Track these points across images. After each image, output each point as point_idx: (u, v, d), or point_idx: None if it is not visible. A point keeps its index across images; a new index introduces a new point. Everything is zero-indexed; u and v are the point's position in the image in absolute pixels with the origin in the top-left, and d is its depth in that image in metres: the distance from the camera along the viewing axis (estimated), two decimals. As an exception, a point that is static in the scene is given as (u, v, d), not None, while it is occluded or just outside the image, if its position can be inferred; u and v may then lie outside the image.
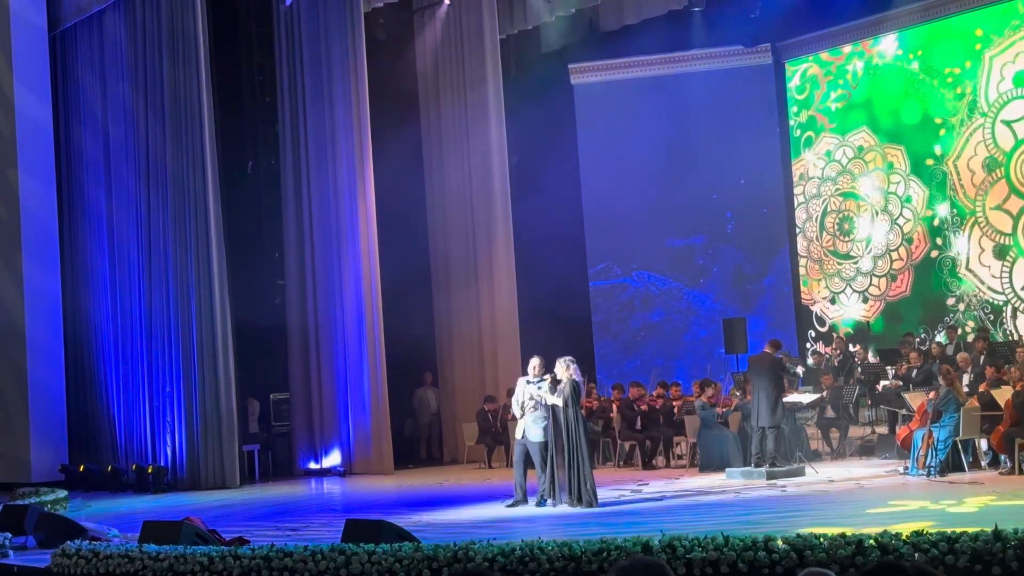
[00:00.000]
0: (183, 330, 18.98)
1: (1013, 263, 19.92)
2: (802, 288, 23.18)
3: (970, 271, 20.50)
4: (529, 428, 13.73)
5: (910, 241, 21.61)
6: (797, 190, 23.29)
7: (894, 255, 21.93)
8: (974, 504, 11.57)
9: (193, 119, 19.08)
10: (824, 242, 22.84)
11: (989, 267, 20.22)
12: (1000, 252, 20.02)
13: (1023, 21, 19.92)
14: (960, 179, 20.60)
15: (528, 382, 13.91)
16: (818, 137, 22.96)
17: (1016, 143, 19.89)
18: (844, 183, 22.38)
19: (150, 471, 18.98)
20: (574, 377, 13.45)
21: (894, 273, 21.98)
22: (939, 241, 21.04)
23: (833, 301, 22.83)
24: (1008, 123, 20.02)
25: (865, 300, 22.46)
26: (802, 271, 23.22)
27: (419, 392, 22.25)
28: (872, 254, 22.21)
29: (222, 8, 20.63)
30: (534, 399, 13.71)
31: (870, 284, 22.39)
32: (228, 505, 16.13)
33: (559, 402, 13.38)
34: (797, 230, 23.27)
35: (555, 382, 13.55)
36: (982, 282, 20.36)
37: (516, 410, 14.08)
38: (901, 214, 21.67)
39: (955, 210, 20.69)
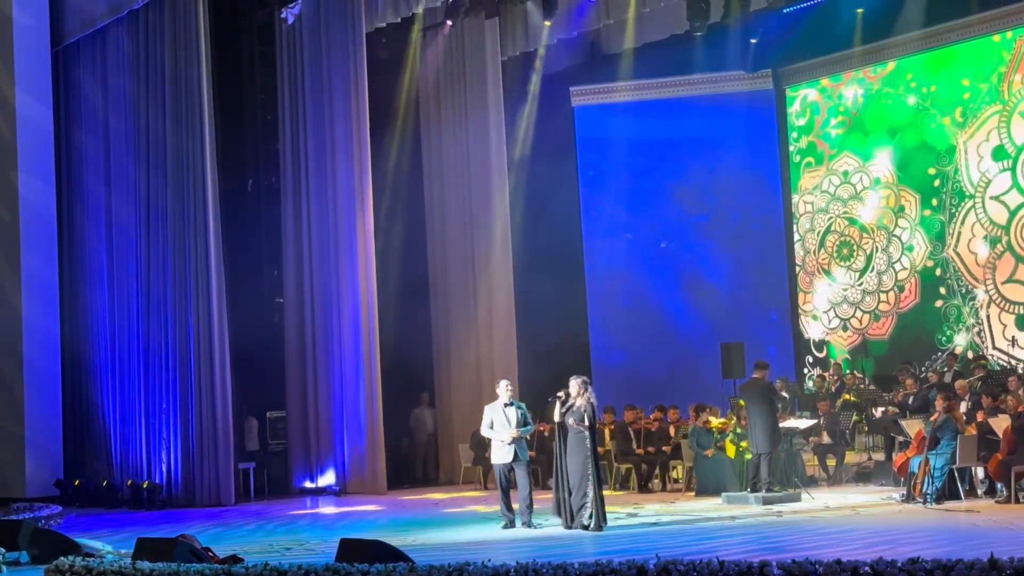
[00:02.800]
0: (181, 347, 18.98)
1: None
2: (801, 313, 23.20)
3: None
4: (520, 449, 13.79)
5: (901, 289, 21.69)
6: (797, 214, 23.32)
7: (882, 296, 22.00)
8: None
9: (194, 136, 19.13)
10: (820, 259, 22.88)
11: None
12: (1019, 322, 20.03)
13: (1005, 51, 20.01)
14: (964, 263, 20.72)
15: (505, 405, 13.93)
16: (818, 163, 23.01)
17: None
18: (852, 208, 22.38)
19: (145, 487, 18.96)
20: (591, 400, 13.43)
21: (878, 314, 22.06)
22: (937, 302, 21.07)
23: (815, 318, 22.86)
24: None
25: (845, 328, 22.52)
26: (800, 295, 23.26)
27: (416, 412, 22.23)
28: (863, 287, 22.26)
29: (224, 26, 20.72)
30: (522, 415, 13.78)
31: (852, 315, 22.45)
32: (223, 523, 16.09)
33: (581, 426, 13.29)
34: (796, 260, 23.29)
35: (565, 399, 13.46)
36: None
37: (489, 433, 14.08)
38: (899, 260, 21.72)
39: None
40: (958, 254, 20.71)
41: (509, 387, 14.24)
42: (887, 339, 21.94)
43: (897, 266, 21.76)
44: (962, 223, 20.66)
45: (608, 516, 13.34)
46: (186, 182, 19.17)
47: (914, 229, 21.44)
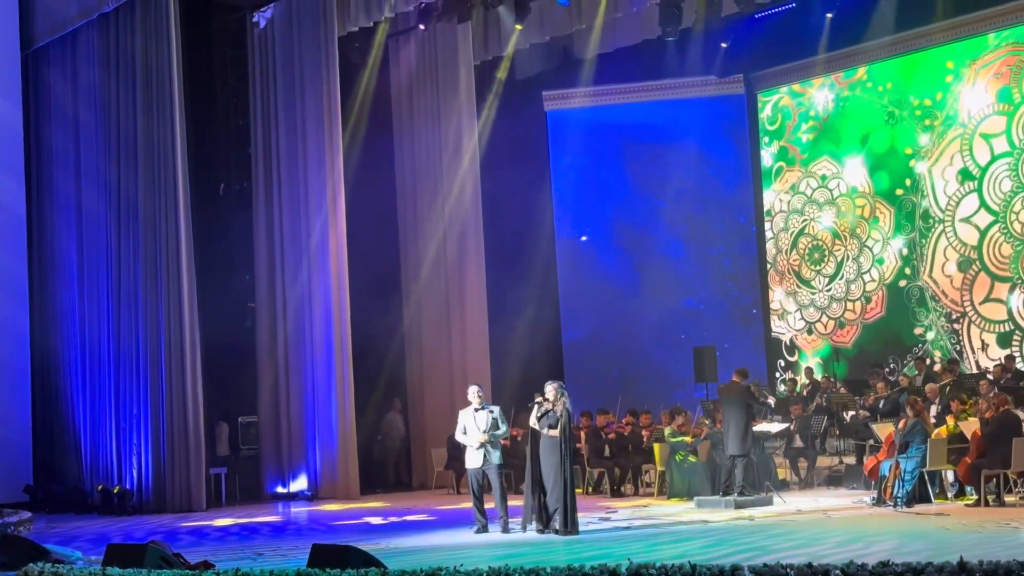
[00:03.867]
0: (152, 352, 18.89)
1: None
2: (771, 312, 23.29)
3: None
4: (491, 453, 13.75)
5: (868, 300, 21.82)
6: (768, 219, 23.42)
7: (849, 305, 22.13)
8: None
9: (166, 141, 19.04)
10: (791, 259, 22.98)
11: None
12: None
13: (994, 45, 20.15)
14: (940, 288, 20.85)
15: (476, 409, 13.91)
16: (789, 168, 23.11)
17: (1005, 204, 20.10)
18: (827, 213, 22.47)
19: (116, 493, 18.84)
20: (568, 406, 13.43)
21: (843, 322, 22.19)
22: (916, 329, 21.21)
23: (781, 317, 22.95)
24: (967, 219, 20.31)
25: (810, 332, 22.64)
26: (771, 296, 23.35)
27: (388, 417, 22.18)
28: (831, 294, 22.38)
29: (196, 30, 20.65)
30: (493, 420, 13.75)
31: (818, 320, 22.57)
32: (194, 528, 16.01)
33: (554, 432, 13.28)
34: (768, 262, 23.39)
35: (542, 404, 13.46)
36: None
37: (462, 439, 14.06)
38: (869, 271, 21.85)
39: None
40: (933, 279, 20.83)
41: (479, 392, 14.21)
42: (850, 347, 22.09)
43: (866, 276, 21.91)
44: (934, 248, 20.81)
45: (580, 520, 13.34)
46: (158, 187, 19.07)
47: (886, 242, 21.57)
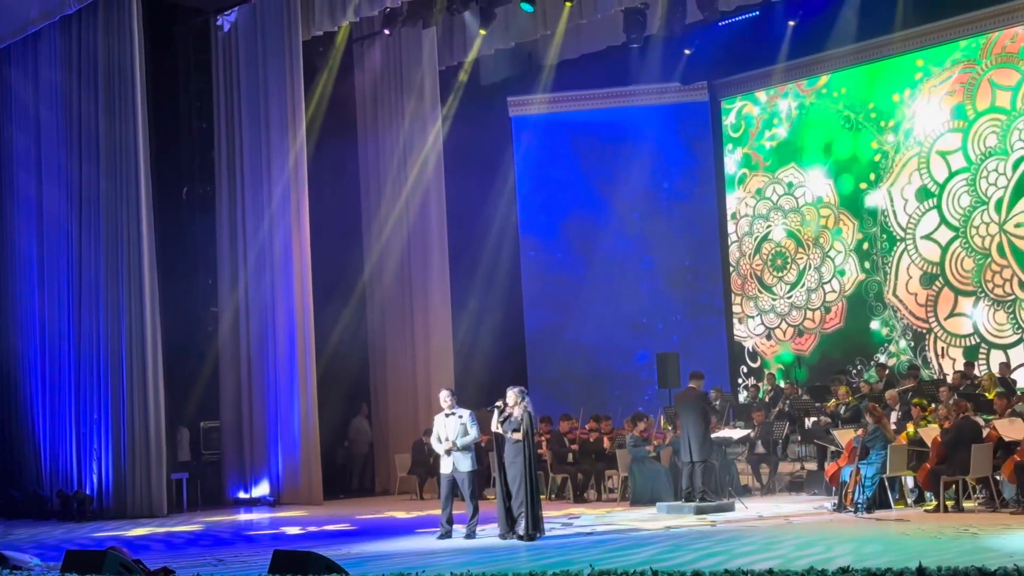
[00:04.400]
0: (113, 356, 18.76)
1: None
2: (735, 323, 23.38)
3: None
4: (459, 460, 13.67)
5: (827, 310, 21.97)
6: (731, 226, 23.52)
7: (808, 314, 22.27)
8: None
9: (127, 144, 18.91)
10: (754, 264, 23.09)
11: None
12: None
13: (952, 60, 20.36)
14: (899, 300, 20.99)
15: (446, 415, 13.87)
16: (752, 174, 23.22)
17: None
18: (791, 221, 22.57)
19: (75, 498, 18.69)
20: (528, 410, 13.41)
21: (802, 330, 22.33)
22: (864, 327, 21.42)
23: (742, 321, 23.08)
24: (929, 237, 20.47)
25: (769, 337, 22.77)
26: (733, 300, 23.45)
27: (355, 422, 22.13)
28: (791, 301, 22.51)
29: (159, 33, 20.52)
30: (461, 427, 13.67)
31: (777, 326, 22.70)
32: (154, 534, 15.90)
33: (517, 436, 13.28)
34: (731, 268, 23.50)
35: (503, 409, 13.44)
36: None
37: (436, 446, 14.02)
38: (830, 282, 21.99)
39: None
40: (898, 297, 20.97)
41: (448, 397, 14.08)
42: (808, 355, 22.24)
43: (827, 287, 22.05)
44: (897, 266, 20.96)
45: (544, 526, 13.34)
46: (120, 190, 18.94)
47: (848, 253, 21.71)
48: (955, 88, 20.37)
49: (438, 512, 13.94)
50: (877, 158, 21.34)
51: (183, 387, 20.23)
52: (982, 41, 20.08)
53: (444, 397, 14.04)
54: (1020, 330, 19.31)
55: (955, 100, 20.34)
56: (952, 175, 20.36)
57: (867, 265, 21.38)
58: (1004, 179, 19.70)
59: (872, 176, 21.36)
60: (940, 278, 20.42)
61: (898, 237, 20.99)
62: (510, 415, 13.33)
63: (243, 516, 18.45)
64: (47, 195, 20.11)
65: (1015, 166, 19.57)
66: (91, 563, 10.38)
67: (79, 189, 19.48)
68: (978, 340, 19.83)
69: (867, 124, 21.48)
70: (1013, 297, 19.46)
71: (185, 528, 16.64)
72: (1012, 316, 19.44)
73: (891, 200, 21.07)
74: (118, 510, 18.44)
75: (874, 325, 21.26)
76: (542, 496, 18.09)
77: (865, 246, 21.41)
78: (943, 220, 20.44)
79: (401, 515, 17.06)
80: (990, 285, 19.75)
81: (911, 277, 20.82)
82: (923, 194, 20.71)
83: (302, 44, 20.08)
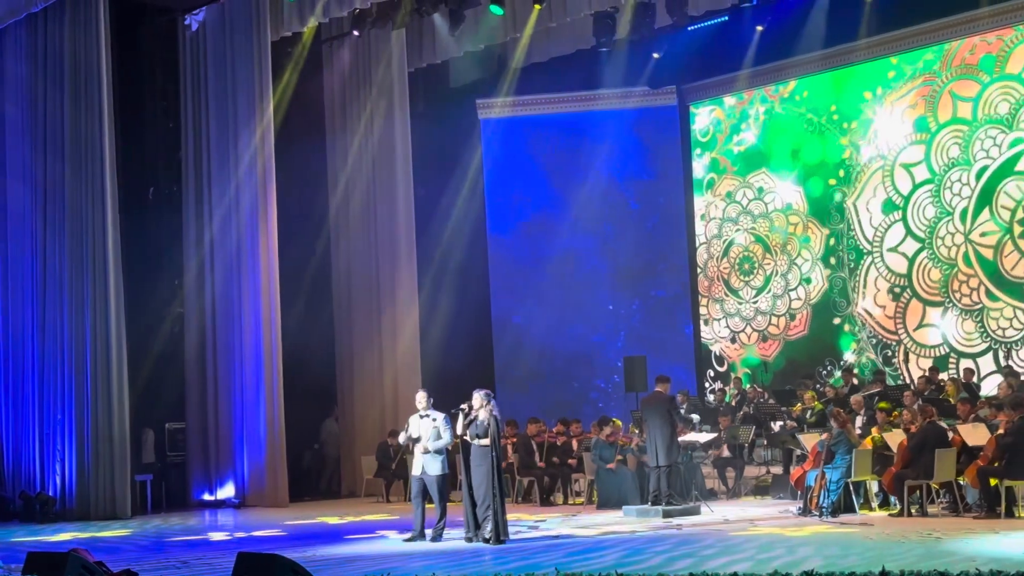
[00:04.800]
0: (77, 356, 18.62)
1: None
2: (702, 326, 23.45)
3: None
4: (428, 463, 13.63)
5: (792, 317, 22.07)
6: (700, 227, 23.58)
7: (773, 319, 22.36)
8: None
9: (93, 143, 18.77)
10: (722, 267, 23.16)
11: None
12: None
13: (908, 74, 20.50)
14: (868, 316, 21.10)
15: (420, 416, 13.80)
16: (720, 179, 23.30)
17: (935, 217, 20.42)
18: (760, 226, 22.64)
19: (38, 500, 18.53)
20: (494, 413, 13.38)
21: (766, 335, 22.42)
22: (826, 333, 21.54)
23: (707, 323, 23.16)
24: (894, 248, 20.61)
25: (733, 340, 22.86)
26: (701, 304, 23.52)
27: (327, 424, 22.08)
28: (756, 306, 22.61)
29: (126, 31, 20.37)
30: (434, 430, 13.61)
31: (742, 331, 22.79)
32: (118, 536, 15.80)
33: (484, 441, 13.26)
34: (699, 270, 23.57)
35: (468, 413, 13.40)
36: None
37: (402, 438, 13.96)
38: (796, 289, 22.09)
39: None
40: (866, 310, 21.08)
41: (424, 399, 13.89)
42: (771, 361, 22.34)
43: (793, 294, 22.15)
44: (865, 279, 21.07)
45: (510, 529, 13.33)
46: (86, 189, 18.79)
47: (815, 262, 21.81)
48: (916, 101, 20.56)
49: (406, 515, 13.89)
50: (841, 173, 21.46)
51: (148, 388, 20.11)
52: (942, 54, 20.29)
53: (420, 398, 13.93)
54: (989, 339, 19.44)
55: (917, 113, 20.54)
56: (916, 187, 20.51)
57: (834, 275, 21.46)
58: (968, 189, 19.86)
59: (836, 183, 21.45)
60: (908, 290, 20.53)
61: (865, 250, 21.10)
62: (475, 418, 13.30)
63: (208, 518, 18.35)
64: (11, 191, 19.89)
65: (978, 176, 19.74)
66: (53, 565, 10.29)
67: (44, 186, 19.29)
68: (947, 350, 19.93)
69: (833, 129, 21.60)
70: (981, 306, 19.59)
71: (148, 530, 16.53)
72: (980, 325, 19.57)
73: (856, 213, 21.19)
74: (81, 512, 18.30)
75: (842, 334, 21.34)
76: (508, 500, 18.18)
77: (832, 260, 21.51)
78: (909, 232, 20.57)
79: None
80: (957, 295, 19.88)
81: (879, 290, 20.93)
82: (888, 207, 20.83)
83: (271, 44, 20.01)
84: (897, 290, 20.66)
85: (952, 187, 20.07)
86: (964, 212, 19.92)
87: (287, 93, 21.30)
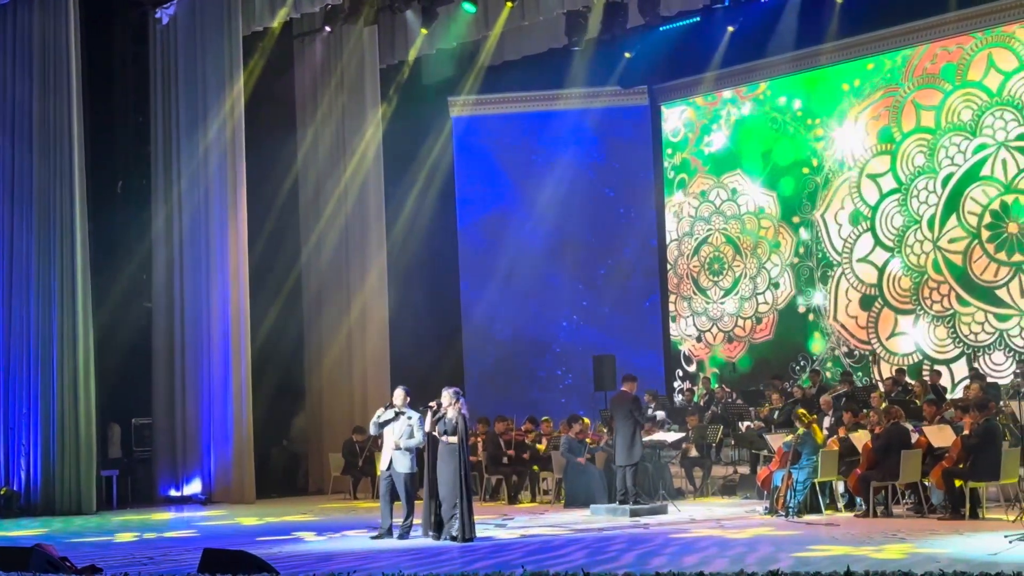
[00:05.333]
0: (43, 350, 18.51)
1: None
2: (671, 324, 23.51)
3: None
4: (397, 460, 13.59)
5: (759, 320, 22.17)
6: (670, 227, 23.63)
7: (739, 322, 22.46)
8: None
9: (61, 136, 18.67)
10: (691, 265, 23.22)
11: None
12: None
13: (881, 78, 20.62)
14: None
15: (396, 412, 13.73)
16: (691, 179, 23.36)
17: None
18: (732, 227, 22.71)
19: (2, 494, 18.41)
20: (463, 412, 13.36)
21: (732, 336, 22.52)
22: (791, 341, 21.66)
23: (674, 319, 23.24)
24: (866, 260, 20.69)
25: (699, 339, 22.95)
26: (671, 300, 23.58)
27: (298, 420, 22.03)
28: (724, 307, 22.69)
29: (96, 24, 20.25)
30: (408, 428, 13.57)
31: (708, 330, 22.88)
32: (83, 532, 15.70)
33: (452, 439, 13.26)
34: (668, 267, 23.62)
35: (436, 411, 13.39)
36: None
37: (373, 429, 13.92)
38: (763, 294, 22.19)
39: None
40: (839, 322, 21.18)
41: (402, 396, 13.71)
42: (735, 362, 22.43)
43: (760, 298, 22.24)
44: (836, 291, 21.19)
45: (477, 527, 13.32)
46: (52, 183, 18.67)
47: (784, 268, 21.91)
48: (880, 112, 20.77)
49: (373, 513, 13.86)
50: (811, 187, 21.53)
51: (115, 383, 20.00)
52: (904, 64, 20.45)
53: (398, 395, 13.82)
54: (962, 344, 19.55)
55: (880, 124, 20.75)
56: (883, 196, 20.67)
57: (802, 282, 21.56)
58: (935, 196, 20.03)
59: (805, 196, 21.56)
60: (879, 299, 20.63)
61: (835, 262, 21.19)
62: (443, 416, 13.29)
63: (173, 514, 18.27)
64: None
65: (944, 183, 19.90)
66: (17, 560, 10.26)
67: (11, 179, 19.13)
68: (921, 357, 20.00)
69: (803, 131, 21.70)
70: (952, 311, 19.71)
71: (114, 525, 16.43)
72: (952, 330, 19.68)
73: (825, 226, 21.31)
74: (46, 507, 18.20)
75: (810, 339, 21.45)
76: (476, 497, 18.17)
77: (805, 275, 21.59)
78: (877, 242, 20.69)
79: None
80: (928, 302, 20.00)
81: (850, 300, 21.02)
82: (856, 217, 20.95)
83: (241, 39, 19.93)
84: (868, 300, 20.73)
85: (919, 195, 20.22)
86: (932, 219, 20.06)
87: (258, 88, 21.23)
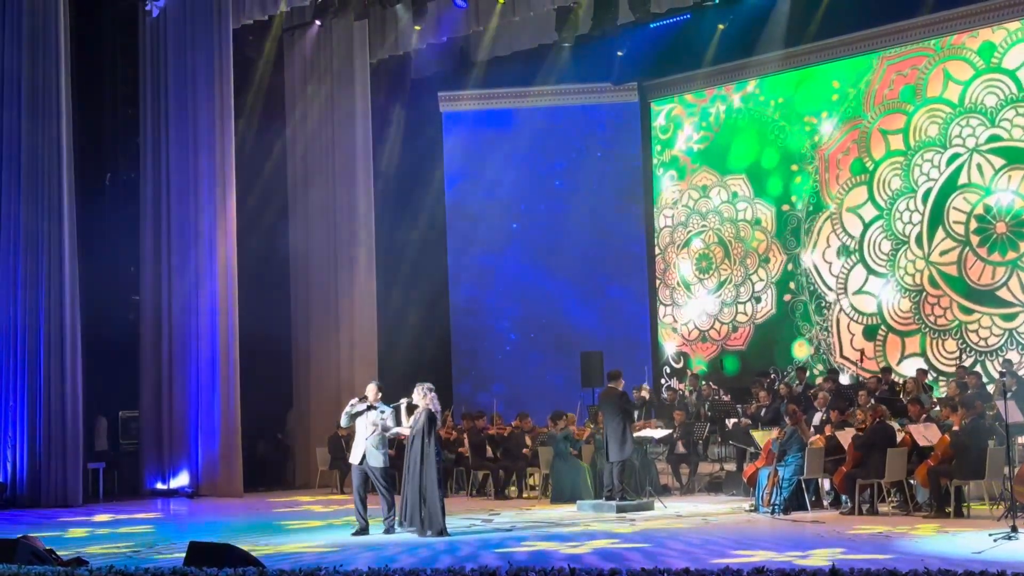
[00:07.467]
0: (30, 342, 18.48)
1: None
2: (659, 320, 23.53)
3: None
4: (370, 453, 13.55)
5: (734, 329, 22.27)
6: (659, 223, 23.64)
7: (716, 325, 22.53)
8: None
9: (50, 130, 18.62)
10: (680, 256, 23.24)
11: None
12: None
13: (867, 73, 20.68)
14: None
15: (369, 407, 13.71)
16: (680, 176, 23.37)
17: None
18: (726, 230, 22.73)
19: (-12, 487, 18.41)
20: (430, 407, 13.36)
21: (707, 337, 22.58)
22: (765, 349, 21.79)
23: (661, 303, 23.39)
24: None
25: (675, 331, 23.01)
26: (659, 292, 23.63)
27: (292, 414, 22.03)
28: (703, 308, 22.73)
29: (85, 17, 20.22)
30: (376, 424, 13.56)
31: (686, 323, 22.96)
32: (69, 524, 15.68)
33: (406, 432, 13.33)
34: (657, 252, 23.63)
35: (411, 408, 13.44)
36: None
37: (344, 420, 13.91)
38: (744, 305, 22.27)
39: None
40: (847, 358, 21.04)
41: (374, 391, 13.79)
42: (707, 362, 22.49)
43: (739, 308, 22.30)
44: (838, 329, 21.11)
45: (463, 522, 13.33)
46: (41, 176, 18.63)
47: (769, 284, 21.94)
48: (849, 146, 20.87)
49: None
50: (795, 167, 21.58)
51: (102, 375, 19.98)
52: (862, 95, 20.65)
53: (370, 390, 13.86)
54: (973, 352, 19.47)
55: (852, 157, 20.87)
56: (868, 225, 20.69)
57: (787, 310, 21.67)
58: (918, 215, 20.09)
59: (798, 180, 21.60)
60: (882, 326, 20.58)
61: (831, 301, 21.19)
62: (414, 407, 13.36)
63: (160, 507, 18.27)
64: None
65: (924, 199, 19.97)
66: (2, 552, 10.23)
67: (-1, 173, 19.12)
68: (935, 374, 19.71)
69: (793, 130, 21.72)
70: (956, 322, 19.68)
71: (100, 518, 16.43)
72: (961, 340, 19.62)
73: (816, 268, 21.34)
74: (32, 499, 18.18)
75: (791, 346, 21.56)
76: (462, 493, 18.19)
77: (798, 314, 21.65)
78: (870, 271, 20.69)
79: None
80: (931, 317, 19.96)
81: (853, 335, 20.95)
82: (844, 252, 20.99)
83: (232, 32, 19.91)
84: (871, 329, 20.65)
85: (902, 216, 20.26)
86: (919, 237, 20.09)
87: (247, 82, 21.22)
